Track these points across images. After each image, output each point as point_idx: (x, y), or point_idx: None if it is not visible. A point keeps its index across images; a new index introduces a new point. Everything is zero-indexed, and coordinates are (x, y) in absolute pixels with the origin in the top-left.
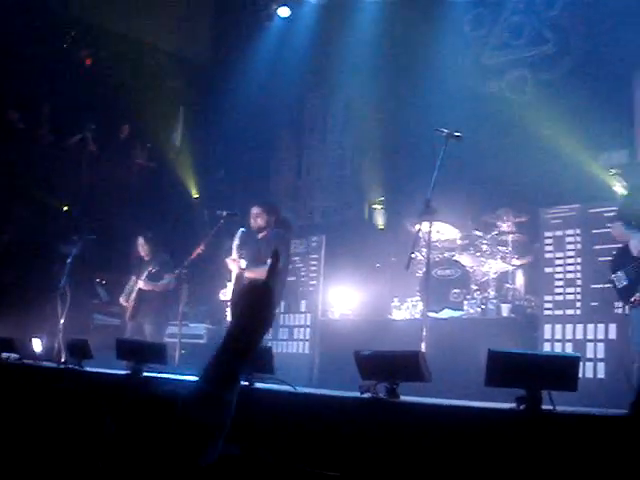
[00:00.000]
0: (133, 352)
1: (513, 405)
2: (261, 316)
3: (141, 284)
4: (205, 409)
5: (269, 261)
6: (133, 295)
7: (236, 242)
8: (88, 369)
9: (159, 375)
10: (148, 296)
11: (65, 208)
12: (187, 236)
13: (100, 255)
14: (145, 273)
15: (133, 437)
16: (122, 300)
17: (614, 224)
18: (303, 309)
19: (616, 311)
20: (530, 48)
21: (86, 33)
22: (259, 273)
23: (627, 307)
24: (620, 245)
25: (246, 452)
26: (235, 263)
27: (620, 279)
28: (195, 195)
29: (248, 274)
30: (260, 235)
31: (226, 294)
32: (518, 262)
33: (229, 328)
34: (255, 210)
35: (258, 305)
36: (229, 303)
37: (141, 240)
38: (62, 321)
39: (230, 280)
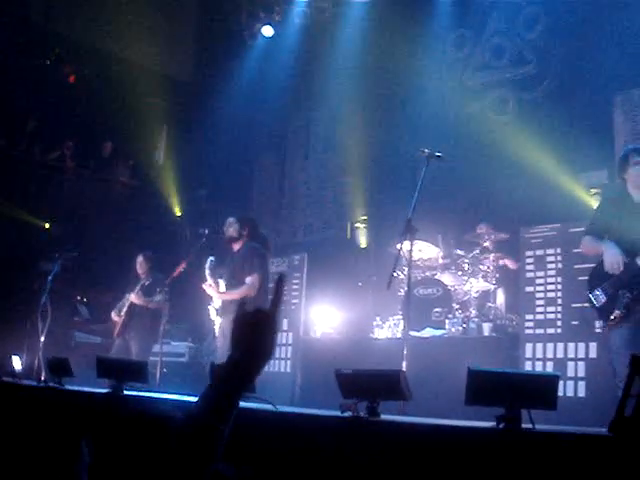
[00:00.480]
0: (114, 370)
1: (493, 424)
2: (263, 345)
3: (133, 297)
4: (199, 439)
5: (247, 279)
6: (124, 310)
7: (207, 271)
8: (68, 387)
9: (140, 394)
10: (139, 312)
11: (46, 225)
12: (170, 254)
13: (81, 273)
14: (138, 287)
15: (116, 457)
16: (113, 315)
17: (583, 238)
18: (285, 327)
19: (597, 330)
20: (511, 69)
21: (70, 50)
22: (237, 294)
23: (606, 328)
24: (595, 263)
25: (239, 473)
26: (212, 288)
27: (598, 297)
28: (178, 213)
29: (226, 297)
30: (235, 249)
31: (212, 314)
32: (509, 263)
33: (229, 357)
34: (229, 220)
35: (260, 334)
36: (215, 322)
37: (140, 258)
38: (42, 339)
39: (211, 304)
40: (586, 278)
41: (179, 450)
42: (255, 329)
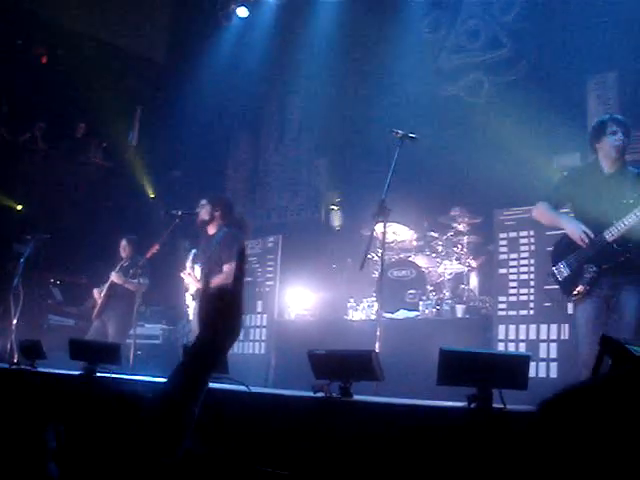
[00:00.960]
0: (87, 352)
1: (464, 404)
2: (229, 323)
3: (114, 276)
4: (169, 417)
5: (225, 267)
6: (104, 291)
7: (189, 263)
8: (41, 370)
9: (113, 375)
10: (117, 294)
11: (18, 207)
12: (143, 236)
13: (54, 255)
14: (118, 267)
15: (88, 439)
16: (96, 293)
17: (538, 203)
18: (259, 310)
19: (569, 312)
20: (486, 52)
21: (42, 30)
22: (217, 282)
23: (573, 306)
24: (561, 233)
25: (210, 451)
26: (191, 277)
27: (561, 271)
28: (151, 195)
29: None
30: (210, 232)
31: (186, 299)
32: (474, 263)
33: (197, 336)
34: (201, 202)
35: (226, 312)
36: (189, 306)
37: (124, 242)
38: (15, 321)
39: (187, 290)
40: None
41: (149, 429)
42: (220, 307)
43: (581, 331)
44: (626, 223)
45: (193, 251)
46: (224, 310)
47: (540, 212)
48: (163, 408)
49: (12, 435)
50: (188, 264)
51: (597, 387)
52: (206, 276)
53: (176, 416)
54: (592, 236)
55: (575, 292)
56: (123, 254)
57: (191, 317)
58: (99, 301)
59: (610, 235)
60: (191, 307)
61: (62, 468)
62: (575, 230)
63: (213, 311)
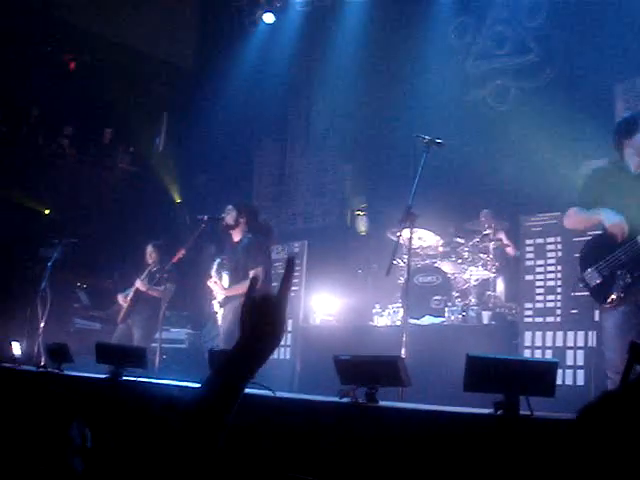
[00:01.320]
0: (113, 356)
1: (491, 410)
2: (272, 330)
3: (139, 284)
4: (204, 423)
5: (251, 273)
6: (130, 296)
7: (214, 272)
8: (68, 373)
9: (139, 379)
10: (143, 299)
11: (47, 212)
12: (169, 240)
13: (81, 259)
14: (145, 273)
15: (115, 441)
16: (120, 298)
17: (570, 210)
18: None
19: (596, 319)
20: (513, 57)
21: (70, 36)
22: (241, 289)
23: (600, 311)
24: (588, 238)
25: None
26: (217, 285)
27: (592, 277)
28: (178, 199)
29: (231, 292)
30: (235, 238)
31: (214, 306)
32: (509, 250)
33: (237, 343)
34: (228, 207)
35: (269, 319)
36: (217, 312)
37: (150, 248)
38: (42, 325)
39: (214, 298)
40: None
41: (182, 436)
42: (263, 314)
43: (609, 337)
44: None
45: (217, 260)
46: (266, 316)
47: (573, 217)
48: (199, 414)
49: (39, 432)
50: (213, 272)
51: (629, 393)
52: (251, 283)
53: (211, 422)
54: (625, 234)
55: (609, 300)
56: (150, 260)
57: (219, 322)
58: (124, 305)
59: None
60: (219, 313)
61: (87, 465)
62: (616, 223)
63: (256, 318)
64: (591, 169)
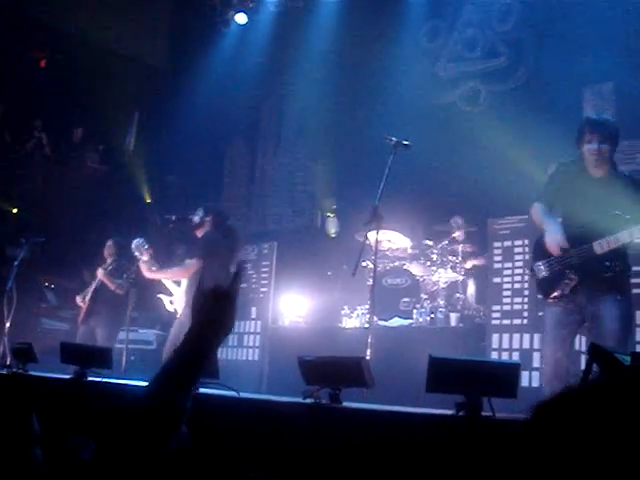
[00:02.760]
0: (78, 356)
1: (453, 411)
2: (221, 321)
3: (100, 273)
4: (157, 414)
5: (186, 261)
6: (88, 295)
7: (136, 253)
8: (33, 373)
9: (103, 380)
10: (103, 299)
11: (14, 210)
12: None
13: (49, 258)
14: (105, 265)
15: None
16: (78, 299)
17: (534, 205)
18: (253, 316)
19: None
20: (484, 61)
21: (41, 34)
22: (168, 274)
23: (543, 305)
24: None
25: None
26: (143, 265)
27: (542, 270)
28: (148, 199)
29: (159, 275)
30: (198, 236)
31: (173, 303)
32: (470, 264)
33: (187, 332)
34: (197, 209)
35: (219, 310)
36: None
37: (110, 242)
38: (8, 325)
39: (165, 293)
40: None
41: (139, 422)
42: (214, 302)
43: (547, 334)
44: (620, 238)
45: (139, 239)
46: (217, 304)
47: (534, 214)
48: (148, 410)
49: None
50: (136, 253)
51: (588, 392)
52: (201, 276)
53: (161, 419)
54: (563, 245)
55: (552, 295)
56: (107, 254)
57: (175, 324)
58: (83, 306)
59: (600, 248)
60: (178, 313)
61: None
62: (551, 241)
63: (207, 304)
64: (557, 164)
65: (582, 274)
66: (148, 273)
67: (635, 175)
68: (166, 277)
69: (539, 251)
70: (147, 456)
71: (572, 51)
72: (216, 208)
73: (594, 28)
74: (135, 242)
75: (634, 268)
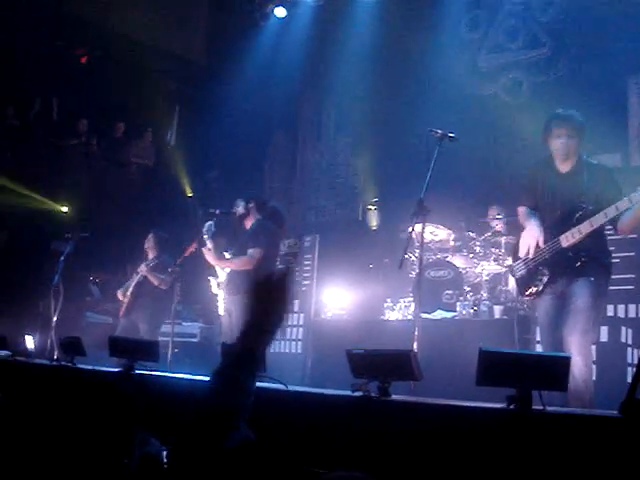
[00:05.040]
0: (126, 349)
1: (504, 405)
2: (280, 300)
3: (143, 269)
4: (225, 393)
5: (249, 251)
6: (130, 290)
7: (205, 235)
8: (80, 366)
9: (151, 372)
10: (144, 293)
11: (64, 209)
12: (181, 234)
13: (94, 253)
14: (144, 264)
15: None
16: (119, 294)
17: (519, 209)
18: (296, 309)
19: (609, 313)
20: (525, 51)
21: (82, 31)
22: (235, 263)
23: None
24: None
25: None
26: (209, 253)
27: (518, 269)
28: (189, 194)
29: (226, 264)
30: (246, 226)
31: (214, 288)
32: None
33: (249, 312)
34: (237, 202)
35: (277, 291)
36: (219, 298)
37: (150, 235)
38: (55, 319)
39: (214, 275)
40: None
41: (206, 404)
42: (266, 291)
43: (541, 328)
44: (582, 230)
45: (209, 222)
46: (274, 288)
47: (520, 217)
48: (219, 384)
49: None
50: (205, 236)
51: None
52: (258, 264)
53: (233, 389)
54: (541, 245)
55: (527, 292)
56: (148, 248)
57: (222, 311)
58: (125, 301)
59: (565, 240)
60: (220, 298)
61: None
62: (526, 238)
63: (262, 293)
64: (531, 166)
65: (552, 268)
66: (213, 260)
67: (604, 162)
68: (231, 266)
69: (517, 252)
70: (220, 436)
71: (616, 39)
72: (253, 193)
73: (637, 16)
74: (206, 225)
75: None
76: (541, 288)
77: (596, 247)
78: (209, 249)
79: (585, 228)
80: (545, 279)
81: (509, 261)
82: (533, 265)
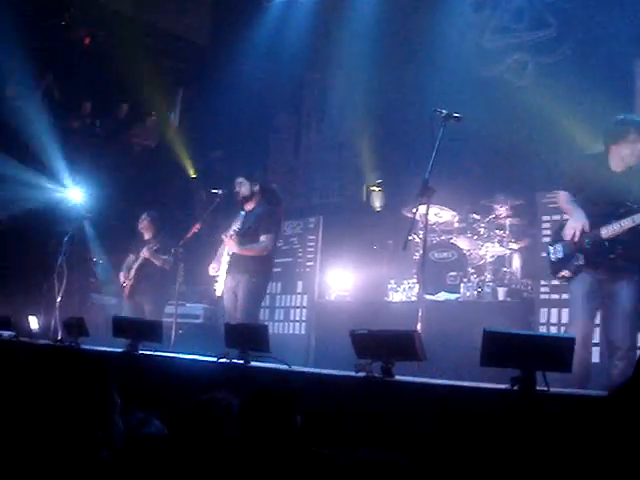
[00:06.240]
0: (129, 330)
1: (507, 385)
2: None
3: (146, 253)
4: None
5: (262, 237)
6: (132, 272)
7: (235, 226)
8: (84, 346)
9: (155, 353)
10: (148, 274)
11: (68, 191)
12: (185, 215)
13: (97, 233)
14: (145, 248)
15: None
16: (121, 276)
17: (560, 193)
18: (299, 290)
19: None
20: (531, 32)
21: (85, 12)
22: (253, 250)
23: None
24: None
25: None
26: (232, 240)
27: (557, 252)
28: (193, 175)
29: (246, 252)
30: (247, 208)
31: (215, 269)
32: (515, 246)
33: None
34: (238, 180)
35: None
36: (217, 279)
37: (144, 217)
38: (59, 299)
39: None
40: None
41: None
42: None
43: (575, 305)
44: (622, 224)
45: (242, 212)
46: None
47: (560, 200)
48: None
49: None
50: (235, 227)
51: None
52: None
53: None
54: (587, 231)
55: (560, 275)
56: (143, 230)
57: (221, 291)
58: (128, 283)
59: (605, 232)
60: (220, 279)
61: None
62: (572, 226)
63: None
64: (581, 156)
65: (588, 256)
66: (236, 248)
67: None
68: (250, 254)
69: (559, 235)
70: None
71: (622, 20)
72: (257, 174)
73: None
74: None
75: None
76: (573, 273)
77: (635, 247)
78: (231, 236)
79: (627, 223)
80: (578, 264)
81: (513, 243)
82: (571, 250)
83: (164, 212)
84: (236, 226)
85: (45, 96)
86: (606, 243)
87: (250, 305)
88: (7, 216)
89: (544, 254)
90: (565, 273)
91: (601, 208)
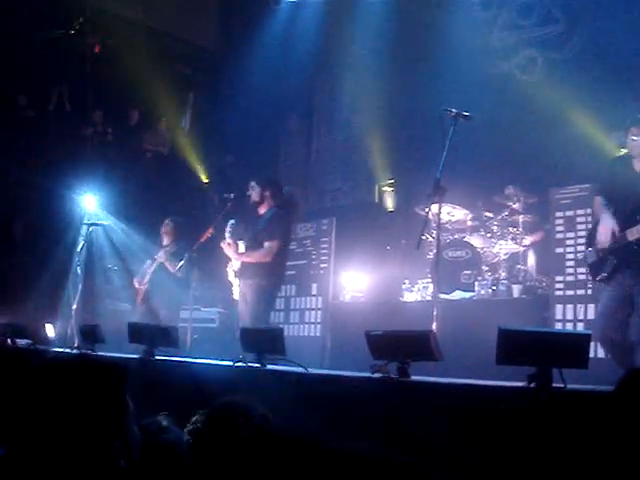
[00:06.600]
0: (145, 336)
1: (524, 383)
2: None
3: (162, 256)
4: None
5: (266, 244)
6: (147, 278)
7: (227, 233)
8: (100, 353)
9: (171, 358)
10: (161, 280)
11: (81, 199)
12: (197, 220)
13: (111, 240)
14: (162, 252)
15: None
16: (136, 282)
17: (595, 198)
18: (314, 292)
19: None
20: (539, 28)
21: (94, 20)
22: (254, 257)
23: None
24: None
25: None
26: (230, 248)
27: (591, 255)
28: (205, 180)
29: (244, 259)
30: (260, 212)
31: (228, 274)
32: (528, 240)
33: None
34: (250, 184)
35: None
36: (234, 284)
37: (167, 221)
38: (75, 306)
39: (229, 266)
40: None
41: None
42: None
43: (600, 309)
44: None
45: (231, 221)
46: None
47: (595, 206)
48: None
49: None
50: (227, 234)
51: None
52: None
53: None
54: (617, 234)
55: (599, 277)
56: (164, 234)
57: (236, 297)
58: (142, 288)
59: (630, 234)
60: (235, 285)
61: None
62: (602, 231)
63: None
64: (610, 159)
65: (619, 258)
66: (232, 255)
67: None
68: (249, 260)
69: (592, 239)
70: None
71: (631, 13)
72: (270, 179)
73: None
74: (229, 224)
75: None
76: (610, 273)
77: None
78: (229, 244)
79: None
80: (612, 265)
81: (527, 240)
82: (603, 253)
83: (175, 216)
84: (227, 232)
85: (56, 104)
86: (634, 246)
87: (258, 310)
88: (22, 225)
89: (559, 250)
90: (603, 276)
91: (629, 209)
